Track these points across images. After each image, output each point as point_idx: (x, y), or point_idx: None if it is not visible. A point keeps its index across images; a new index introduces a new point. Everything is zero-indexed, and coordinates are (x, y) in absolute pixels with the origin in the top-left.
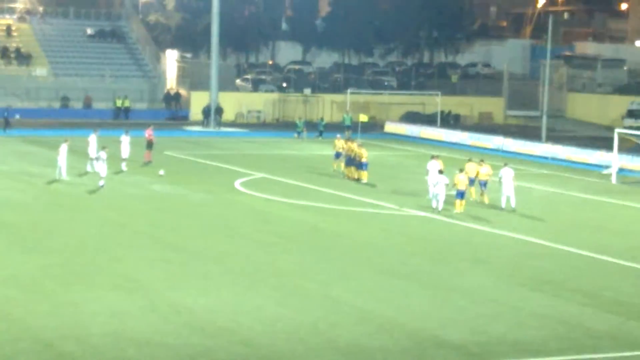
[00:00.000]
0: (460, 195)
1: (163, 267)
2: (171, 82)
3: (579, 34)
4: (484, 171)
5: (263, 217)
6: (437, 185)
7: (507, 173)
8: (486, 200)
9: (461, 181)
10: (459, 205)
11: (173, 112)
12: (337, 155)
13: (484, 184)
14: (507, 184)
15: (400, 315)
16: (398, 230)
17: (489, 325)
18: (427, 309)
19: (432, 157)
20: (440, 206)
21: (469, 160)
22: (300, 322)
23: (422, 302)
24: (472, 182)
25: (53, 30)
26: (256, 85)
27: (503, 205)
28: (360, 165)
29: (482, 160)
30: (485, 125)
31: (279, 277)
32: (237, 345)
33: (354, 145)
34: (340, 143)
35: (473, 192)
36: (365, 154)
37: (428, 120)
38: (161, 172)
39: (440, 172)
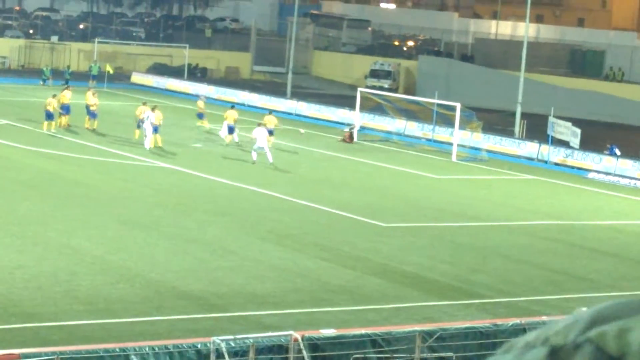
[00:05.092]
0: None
1: None
2: None
3: None
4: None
5: (5, 164)
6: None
7: (261, 132)
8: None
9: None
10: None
11: None
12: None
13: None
14: (261, 140)
15: (141, 266)
16: (141, 181)
17: (229, 277)
18: (168, 260)
19: (144, 103)
20: (148, 144)
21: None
22: (39, 270)
23: (162, 253)
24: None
25: None
26: (2, 31)
27: (254, 158)
28: (92, 114)
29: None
30: (231, 80)
31: (19, 225)
32: None
33: (89, 94)
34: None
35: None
36: (96, 103)
37: (175, 72)
38: None
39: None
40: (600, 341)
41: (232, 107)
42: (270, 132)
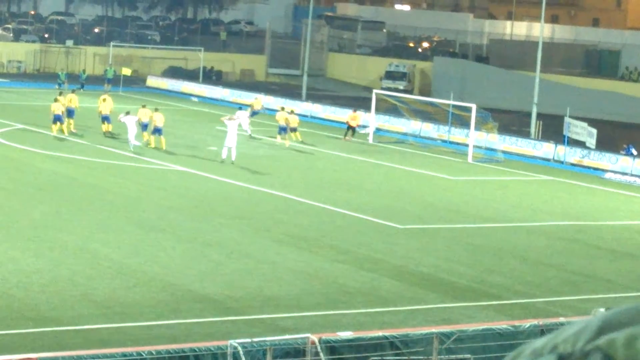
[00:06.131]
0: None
1: None
2: None
3: None
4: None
5: (21, 168)
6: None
7: (232, 125)
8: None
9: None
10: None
11: None
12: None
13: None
14: (231, 135)
15: (157, 269)
16: (157, 185)
17: (245, 280)
18: (184, 263)
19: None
20: (133, 140)
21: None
22: (56, 274)
23: (179, 257)
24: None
25: None
26: (17, 35)
27: (224, 156)
28: (105, 118)
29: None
30: (247, 83)
31: (36, 229)
32: None
33: (104, 98)
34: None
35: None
36: (110, 108)
37: (190, 75)
38: None
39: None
40: (609, 349)
41: (282, 108)
42: (294, 129)
